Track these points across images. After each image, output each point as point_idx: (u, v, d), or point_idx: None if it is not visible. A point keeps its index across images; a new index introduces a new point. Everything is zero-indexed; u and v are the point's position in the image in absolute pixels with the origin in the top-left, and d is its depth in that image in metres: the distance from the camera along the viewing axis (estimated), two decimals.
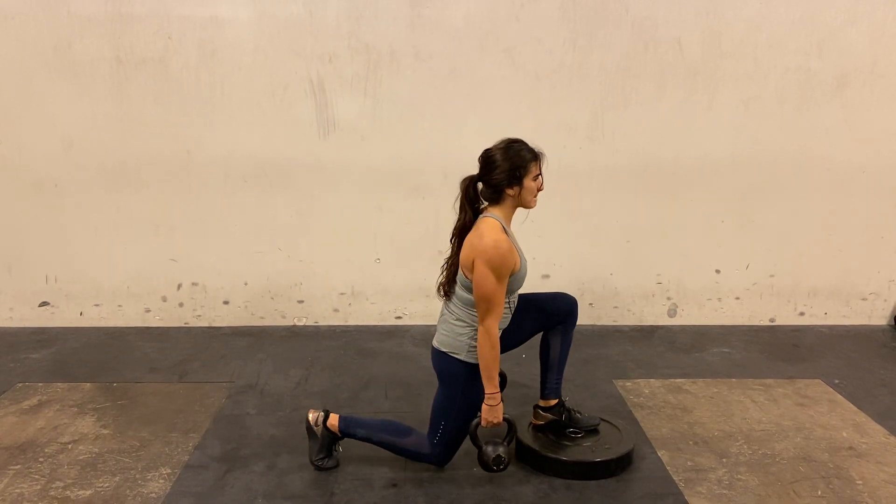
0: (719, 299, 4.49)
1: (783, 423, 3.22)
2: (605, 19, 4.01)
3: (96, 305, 4.37)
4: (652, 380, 3.67)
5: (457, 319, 2.61)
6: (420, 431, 2.77)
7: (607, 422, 3.01)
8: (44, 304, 4.37)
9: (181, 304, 4.39)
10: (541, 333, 2.88)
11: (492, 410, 2.56)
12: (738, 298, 4.49)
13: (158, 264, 4.32)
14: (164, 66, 4.00)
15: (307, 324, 4.46)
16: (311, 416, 2.81)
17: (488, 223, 2.51)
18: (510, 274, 2.50)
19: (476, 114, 4.11)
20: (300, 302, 4.42)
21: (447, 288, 2.66)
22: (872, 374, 3.79)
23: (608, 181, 4.25)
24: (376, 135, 4.12)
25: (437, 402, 2.70)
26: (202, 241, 4.28)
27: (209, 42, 3.98)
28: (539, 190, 2.58)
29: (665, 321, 4.51)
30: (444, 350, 2.63)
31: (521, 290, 2.73)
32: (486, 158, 2.54)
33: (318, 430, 2.79)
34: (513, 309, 2.68)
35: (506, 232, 2.52)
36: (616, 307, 4.49)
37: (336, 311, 4.44)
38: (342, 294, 4.42)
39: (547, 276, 4.37)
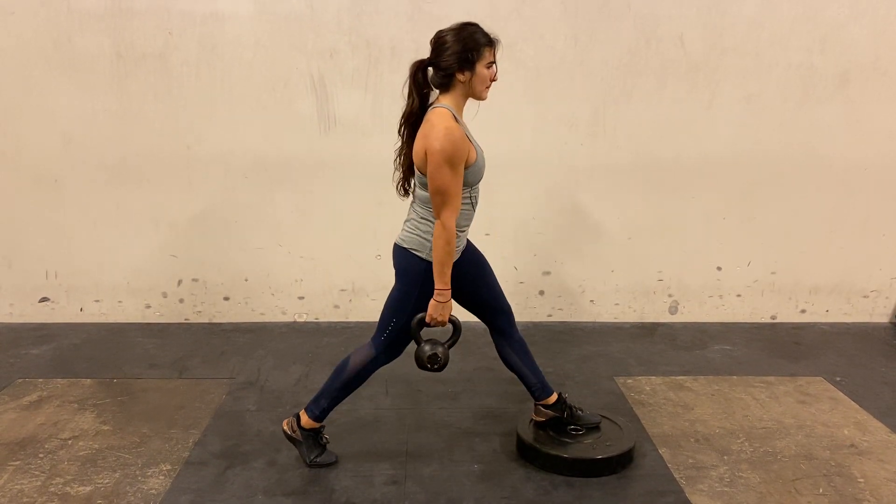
0: (720, 296, 4.48)
1: (784, 420, 3.21)
2: (606, 15, 4.00)
3: (96, 301, 4.37)
4: (653, 377, 3.67)
5: (421, 218, 2.51)
6: (355, 350, 2.72)
7: (608, 419, 3.01)
8: (44, 299, 4.36)
9: (181, 300, 4.39)
10: (498, 355, 2.82)
11: (439, 307, 2.45)
12: (739, 296, 4.48)
13: (159, 260, 4.31)
14: (164, 61, 3.99)
15: (308, 320, 4.45)
16: (286, 427, 2.80)
17: (438, 112, 2.39)
18: (466, 165, 2.39)
19: (477, 110, 4.09)
20: (300, 298, 4.41)
21: (406, 185, 2.58)
22: (874, 371, 3.79)
23: (609, 178, 4.24)
24: (377, 130, 4.11)
25: (391, 298, 2.62)
26: (202, 236, 4.28)
27: (209, 37, 3.97)
28: (493, 80, 2.45)
29: (666, 318, 4.51)
30: (405, 246, 2.54)
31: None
32: (438, 40, 2.42)
33: (297, 434, 2.78)
34: (474, 204, 2.55)
35: (457, 121, 2.40)
36: (617, 304, 4.48)
37: (336, 307, 4.43)
38: (343, 290, 4.41)
39: (548, 273, 4.36)
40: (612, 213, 4.32)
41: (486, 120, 4.04)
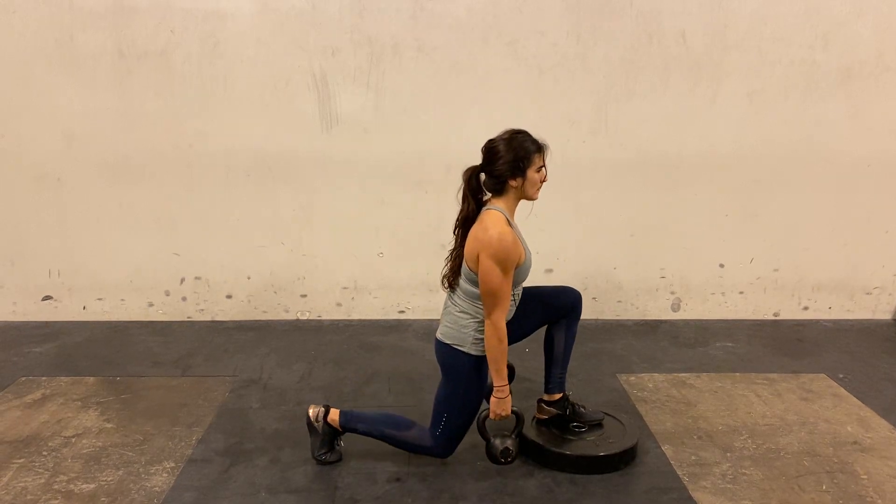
0: (723, 293, 4.47)
1: (787, 417, 3.21)
2: (608, 11, 3.99)
3: (99, 299, 4.37)
4: (656, 374, 3.67)
5: (461, 311, 2.60)
6: (421, 425, 2.76)
7: (611, 416, 3.01)
8: (47, 297, 4.37)
9: (184, 299, 4.39)
10: (544, 327, 2.87)
11: (500, 403, 2.56)
12: (741, 293, 4.48)
13: (161, 258, 4.31)
14: (166, 59, 3.99)
15: (310, 318, 4.46)
16: (311, 412, 2.81)
17: (492, 216, 2.49)
18: (515, 266, 2.49)
19: (479, 107, 4.10)
20: (303, 296, 4.42)
21: (451, 280, 2.65)
22: (877, 368, 3.78)
23: (611, 175, 4.24)
24: (379, 128, 4.11)
25: (440, 394, 2.69)
26: (205, 235, 4.28)
27: (211, 35, 3.97)
28: (542, 182, 2.56)
29: (669, 315, 4.50)
30: (448, 342, 2.62)
31: (526, 284, 2.71)
32: (490, 149, 2.52)
33: (319, 425, 2.79)
34: (517, 302, 2.67)
35: (510, 224, 2.51)
36: (620, 301, 4.48)
37: (339, 305, 4.44)
38: (345, 288, 4.41)
39: (550, 271, 4.36)
40: (614, 210, 4.31)
41: (487, 117, 4.05)
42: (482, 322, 2.55)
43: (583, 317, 4.39)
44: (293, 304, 4.43)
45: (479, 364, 2.59)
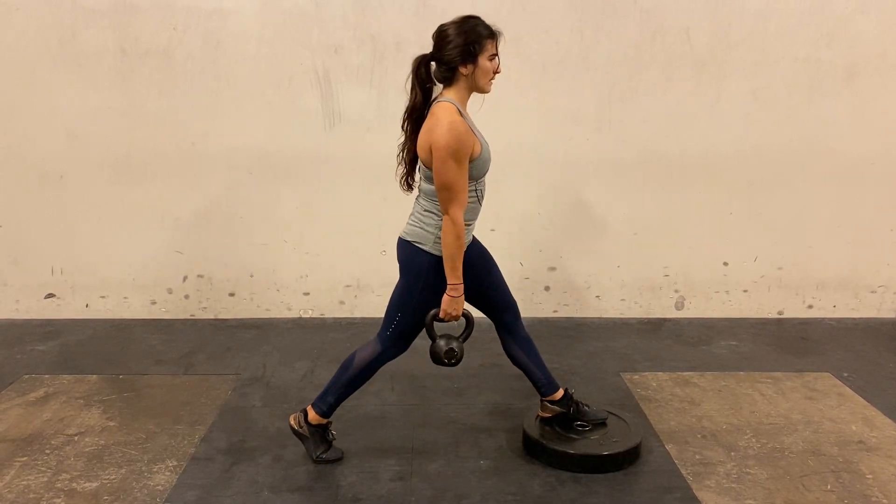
0: (727, 292, 4.46)
1: (792, 416, 3.20)
2: (612, 9, 3.98)
3: (102, 297, 4.37)
4: (659, 373, 3.66)
5: (424, 210, 2.51)
6: (362, 346, 2.71)
7: (615, 415, 3.00)
8: (49, 296, 4.37)
9: (187, 297, 4.39)
10: (504, 352, 2.81)
11: (453, 302, 2.46)
12: (745, 291, 4.46)
13: (164, 256, 4.31)
14: (168, 57, 3.99)
15: (313, 316, 4.45)
16: (292, 422, 2.80)
17: (442, 106, 2.39)
18: (471, 158, 2.38)
19: (482, 105, 4.07)
20: (306, 294, 4.41)
21: (409, 180, 2.58)
22: (882, 367, 3.77)
23: (615, 172, 4.23)
24: (382, 126, 4.10)
25: (396, 293, 2.62)
26: (207, 233, 4.28)
27: (214, 33, 3.96)
28: (496, 72, 2.45)
29: (672, 314, 4.49)
30: (409, 240, 2.54)
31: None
32: (440, 33, 2.42)
33: (304, 429, 2.77)
34: (480, 198, 2.55)
35: (461, 115, 2.40)
36: (623, 300, 4.46)
37: (342, 303, 4.43)
38: (348, 286, 4.41)
39: (553, 269, 4.35)
40: (618, 209, 4.30)
41: (490, 115, 4.02)
42: None
43: (586, 315, 4.45)
44: (296, 302, 4.43)
45: (438, 264, 2.48)
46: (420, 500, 2.57)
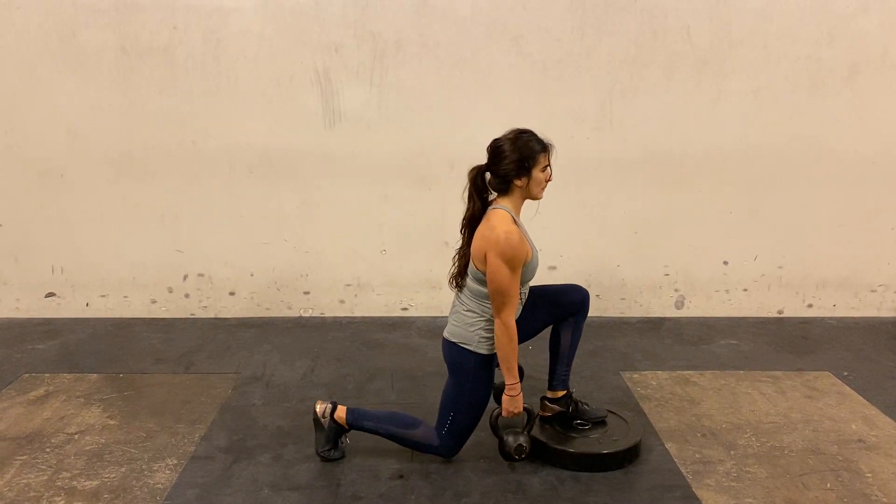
0: (727, 291, 4.46)
1: (791, 415, 3.20)
2: (613, 7, 3.98)
3: (102, 296, 4.38)
4: (659, 372, 3.66)
5: (468, 310, 2.60)
6: (428, 423, 2.76)
7: (615, 414, 3.00)
8: (50, 294, 4.37)
9: (187, 295, 4.39)
10: (552, 326, 2.86)
11: (512, 401, 2.57)
12: (745, 290, 4.46)
13: (164, 255, 4.31)
14: (169, 55, 3.99)
15: (313, 315, 4.45)
16: (318, 408, 2.81)
17: (499, 215, 2.50)
18: (522, 265, 2.49)
19: (483, 104, 4.08)
20: (306, 293, 4.41)
21: (459, 280, 2.65)
22: (881, 366, 3.77)
23: (616, 171, 4.23)
24: (382, 125, 4.10)
25: (447, 393, 2.69)
26: (208, 231, 4.28)
27: (214, 31, 3.96)
28: (547, 181, 2.57)
29: (672, 313, 4.49)
30: (455, 341, 2.62)
31: (532, 282, 2.71)
32: (495, 149, 2.52)
33: (326, 421, 2.79)
34: (524, 300, 2.67)
35: (516, 223, 2.52)
36: (623, 299, 4.47)
37: (342, 302, 4.43)
38: (348, 285, 4.41)
39: (554, 268, 4.35)
40: (618, 207, 4.30)
41: (491, 114, 4.03)
42: (489, 321, 2.55)
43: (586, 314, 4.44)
44: (296, 301, 4.43)
45: (485, 362, 2.60)
46: (420, 499, 2.57)
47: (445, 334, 2.68)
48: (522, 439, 2.62)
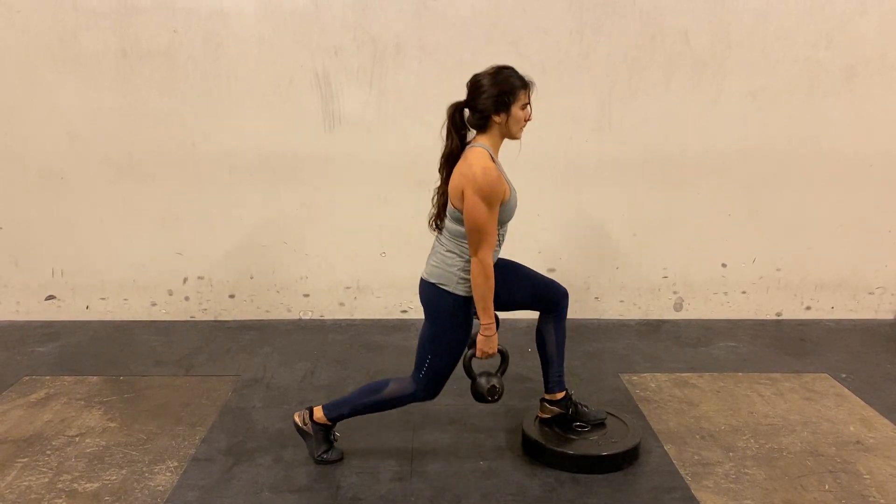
0: (725, 293, 4.47)
1: (790, 417, 3.21)
2: (612, 10, 3.99)
3: (102, 299, 4.38)
4: (658, 374, 3.67)
5: (447, 251, 2.56)
6: (396, 377, 2.75)
7: (614, 416, 3.01)
8: (50, 297, 4.38)
9: (187, 298, 4.40)
10: (536, 331, 2.86)
11: (487, 341, 2.53)
12: (744, 292, 4.47)
13: (164, 258, 4.32)
14: (169, 58, 3.99)
15: (313, 317, 4.46)
16: (297, 419, 2.81)
17: (476, 152, 2.45)
18: (500, 203, 2.45)
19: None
20: (306, 296, 4.42)
21: (438, 221, 2.62)
22: (880, 368, 3.78)
23: (614, 173, 4.24)
24: (382, 127, 4.11)
25: (424, 336, 2.65)
26: (208, 234, 4.28)
27: (214, 34, 3.97)
28: (527, 120, 2.53)
29: (671, 315, 4.50)
30: (433, 281, 2.58)
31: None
32: (475, 83, 2.48)
33: (308, 427, 2.79)
34: (501, 241, 2.61)
35: (494, 161, 2.47)
36: (622, 301, 4.47)
37: (342, 304, 4.44)
38: (348, 288, 4.41)
39: (553, 270, 4.36)
40: (617, 210, 4.31)
41: None
42: (468, 262, 2.50)
43: (585, 316, 4.46)
44: (296, 304, 4.44)
45: (463, 304, 2.54)
46: (420, 501, 2.58)
47: (423, 275, 2.63)
48: (496, 381, 2.59)
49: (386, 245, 4.33)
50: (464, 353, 2.61)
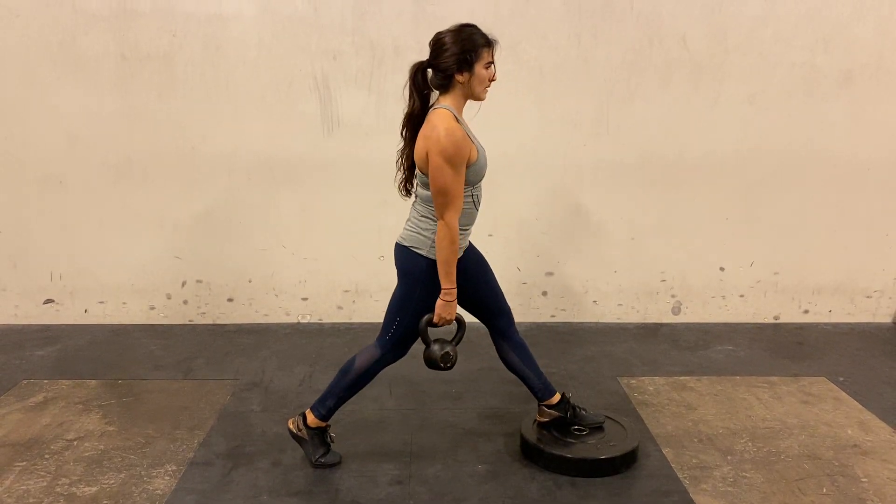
0: (723, 297, 4.48)
1: (788, 420, 3.22)
2: (609, 14, 4.00)
3: (101, 303, 4.38)
4: (656, 377, 3.67)
5: (422, 216, 2.54)
6: (361, 350, 2.75)
7: (612, 419, 3.01)
8: (48, 301, 4.38)
9: (185, 302, 4.40)
10: (500, 359, 2.84)
11: (446, 307, 2.50)
12: (742, 296, 4.48)
13: (163, 261, 4.32)
14: (168, 62, 4.00)
15: (311, 321, 4.46)
16: (291, 426, 2.82)
17: (439, 113, 2.42)
18: (467, 164, 2.42)
19: (480, 110, 4.09)
20: (304, 299, 4.42)
21: (408, 185, 2.61)
22: (877, 371, 3.78)
23: (612, 177, 4.25)
24: (380, 131, 4.11)
25: (395, 298, 2.65)
26: (206, 237, 4.29)
27: (213, 38, 3.98)
28: (491, 80, 2.48)
29: (669, 319, 4.51)
30: (407, 245, 2.57)
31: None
32: (437, 42, 2.45)
33: (303, 432, 2.79)
34: (477, 203, 2.57)
35: (458, 121, 2.43)
36: (620, 304, 4.48)
37: (340, 308, 4.44)
38: (346, 291, 4.42)
39: (551, 274, 4.37)
40: (616, 213, 4.32)
41: (489, 120, 4.04)
42: None
43: (583, 320, 4.47)
44: (294, 308, 4.44)
45: (435, 269, 2.51)
46: None
47: (398, 239, 2.61)
48: (450, 348, 2.57)
49: (384, 248, 4.33)
50: (421, 319, 2.57)
